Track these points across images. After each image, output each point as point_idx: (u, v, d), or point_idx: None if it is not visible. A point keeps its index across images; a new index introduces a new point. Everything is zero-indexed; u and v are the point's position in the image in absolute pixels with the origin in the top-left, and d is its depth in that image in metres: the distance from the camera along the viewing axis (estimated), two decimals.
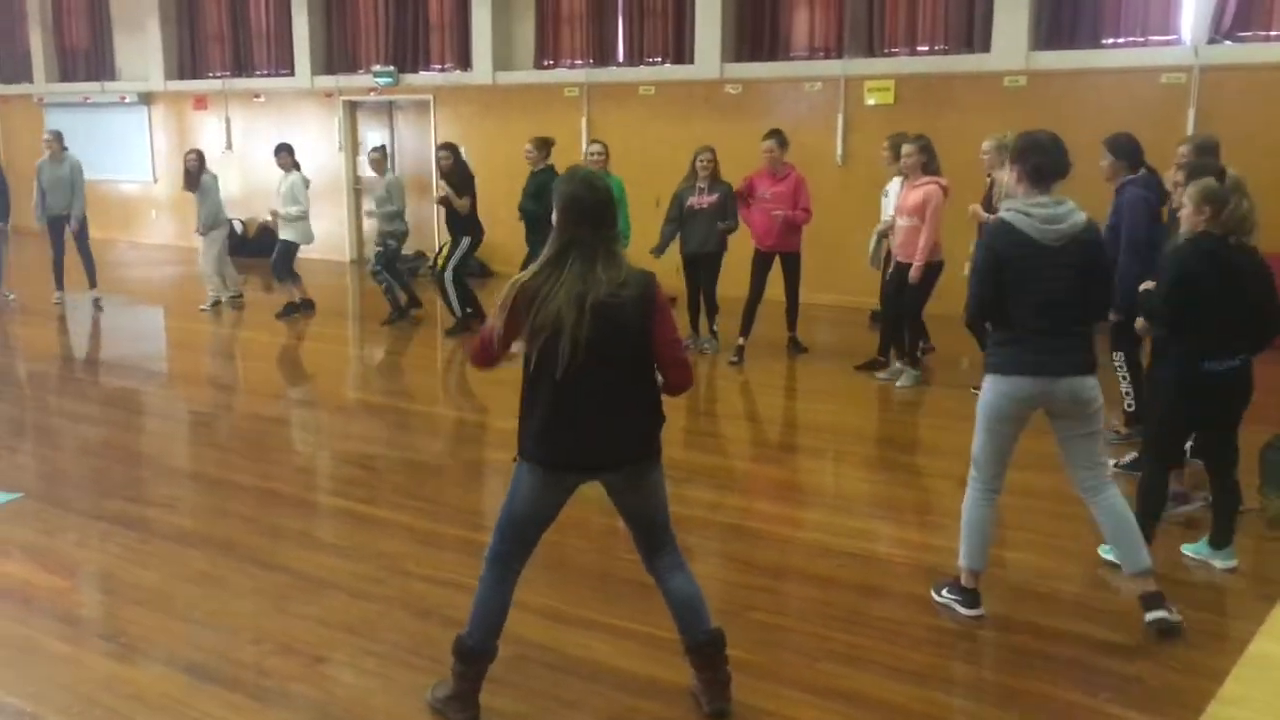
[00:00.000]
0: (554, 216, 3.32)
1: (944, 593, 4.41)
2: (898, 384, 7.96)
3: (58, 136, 11.62)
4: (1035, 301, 3.98)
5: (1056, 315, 4.00)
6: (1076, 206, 4.05)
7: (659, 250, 9.00)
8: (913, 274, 7.57)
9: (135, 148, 17.07)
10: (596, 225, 3.29)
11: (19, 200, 11.99)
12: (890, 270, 8.03)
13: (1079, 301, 4.04)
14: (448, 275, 9.92)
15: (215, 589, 4.58)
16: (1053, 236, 3.97)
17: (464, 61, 13.95)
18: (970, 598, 4.30)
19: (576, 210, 3.28)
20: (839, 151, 11.22)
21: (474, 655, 3.49)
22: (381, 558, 4.89)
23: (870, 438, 6.87)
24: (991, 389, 4.13)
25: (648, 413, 3.43)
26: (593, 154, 9.20)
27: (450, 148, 9.96)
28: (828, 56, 11.54)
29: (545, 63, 13.49)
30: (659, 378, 3.44)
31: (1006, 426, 4.15)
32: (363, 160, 14.85)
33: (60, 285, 11.75)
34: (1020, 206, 4.02)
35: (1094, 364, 4.10)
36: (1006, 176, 6.87)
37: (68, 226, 11.52)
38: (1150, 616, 4.09)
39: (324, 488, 6.17)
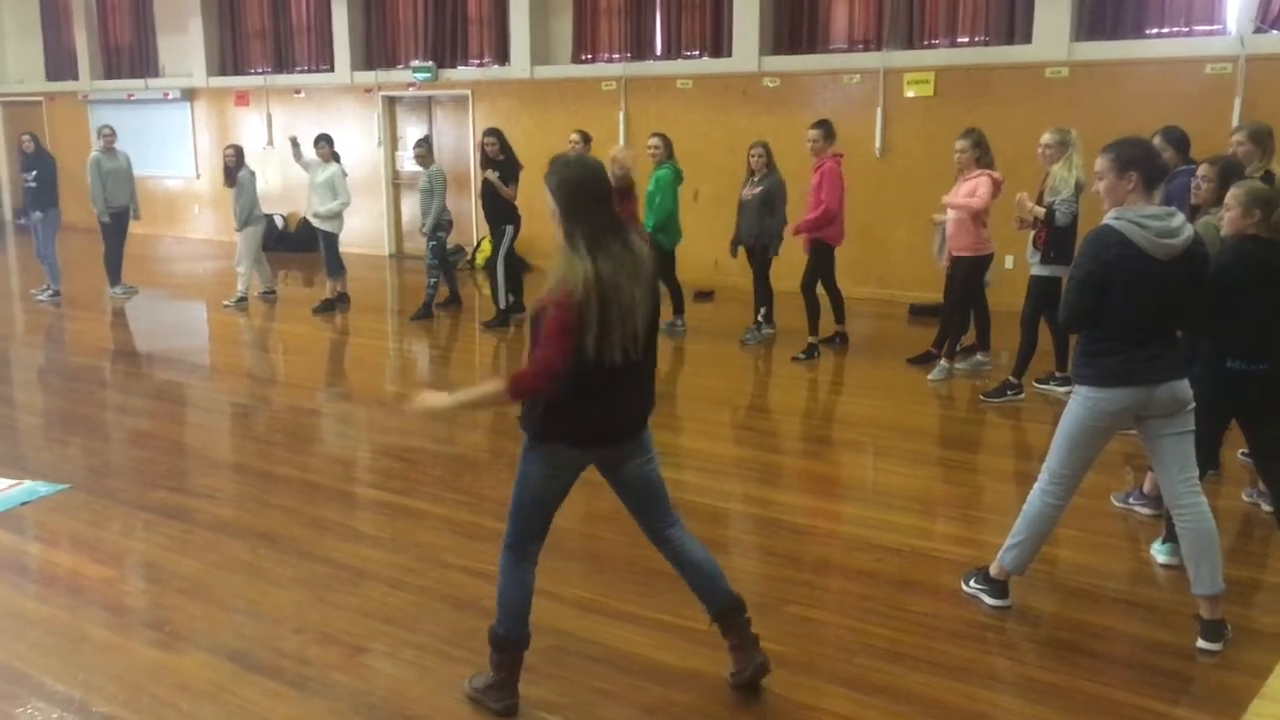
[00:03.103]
0: (565, 203, 3.22)
1: (972, 583, 4.40)
2: (929, 377, 7.93)
3: (113, 131, 11.82)
4: (1137, 314, 3.81)
5: (1156, 326, 3.85)
6: (1185, 219, 3.88)
7: (732, 246, 9.24)
8: (943, 213, 7.72)
9: (179, 144, 17.26)
10: (610, 202, 3.31)
11: (63, 198, 12.14)
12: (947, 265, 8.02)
13: (1178, 310, 3.90)
14: (499, 264, 10.03)
15: (257, 579, 4.63)
16: (1166, 251, 3.76)
17: (502, 56, 13.99)
18: (998, 588, 4.29)
19: (592, 193, 3.25)
20: (878, 144, 11.14)
21: (508, 643, 3.51)
22: (420, 549, 4.93)
23: (910, 432, 6.82)
24: (1086, 402, 3.94)
25: (654, 378, 3.51)
26: (650, 147, 9.29)
27: (496, 133, 10.00)
28: (867, 49, 11.48)
29: (583, 57, 13.51)
30: None
31: (1098, 439, 4.02)
32: (401, 155, 15.01)
33: (119, 279, 11.95)
34: (1133, 217, 3.77)
35: (1190, 362, 3.97)
36: (1062, 172, 6.95)
37: (133, 218, 11.91)
38: (1203, 645, 3.95)
39: (363, 480, 6.22)
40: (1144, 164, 3.83)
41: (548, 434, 3.36)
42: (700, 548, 3.65)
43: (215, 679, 3.78)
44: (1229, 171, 5.07)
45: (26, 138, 11.96)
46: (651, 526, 3.61)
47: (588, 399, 3.27)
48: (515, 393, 3.25)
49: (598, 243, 3.19)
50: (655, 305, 3.36)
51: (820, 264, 8.73)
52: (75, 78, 18.53)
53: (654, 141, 9.39)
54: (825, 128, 8.65)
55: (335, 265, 11.02)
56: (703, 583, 3.62)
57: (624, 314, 3.18)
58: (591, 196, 3.25)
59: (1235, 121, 8.96)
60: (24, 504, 5.51)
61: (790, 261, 9.15)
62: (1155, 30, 10.09)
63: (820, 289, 8.78)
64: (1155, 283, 3.79)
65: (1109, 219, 3.85)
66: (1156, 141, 6.22)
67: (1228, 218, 4.42)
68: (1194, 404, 3.94)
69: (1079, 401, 3.99)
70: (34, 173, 11.67)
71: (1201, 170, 5.31)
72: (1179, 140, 6.60)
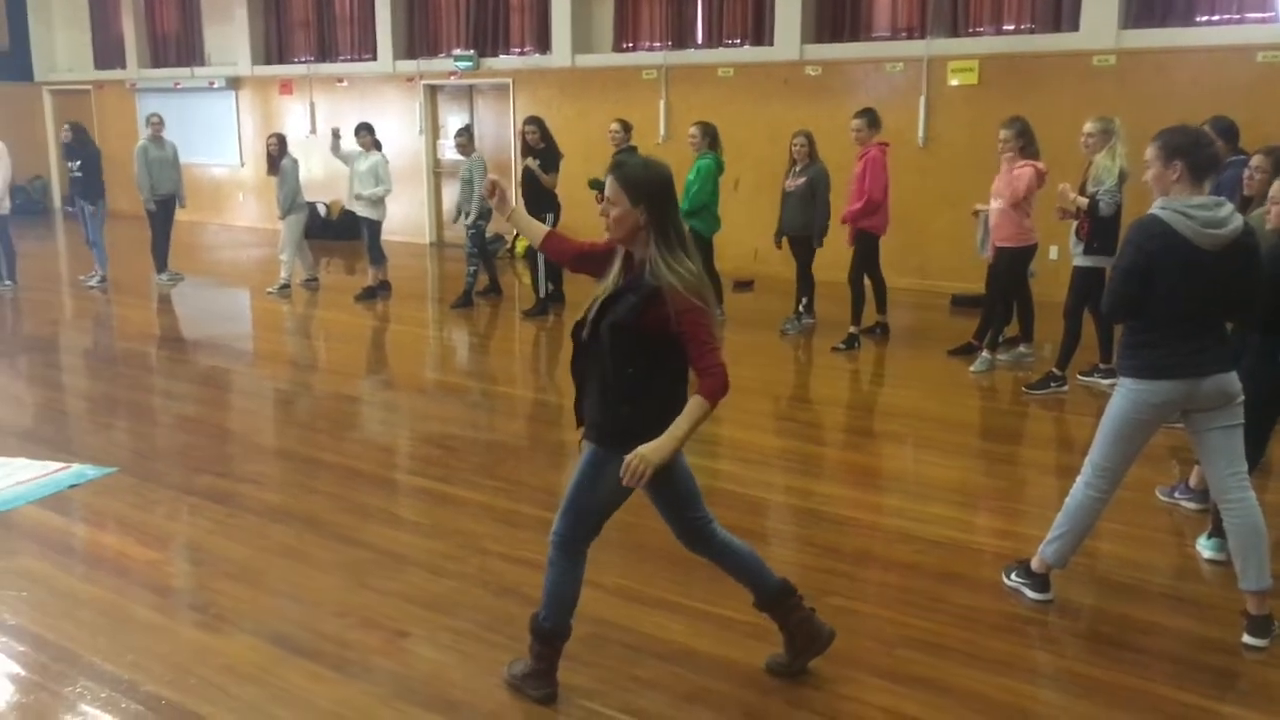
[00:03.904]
0: (661, 203, 3.21)
1: (1013, 576, 4.36)
2: (971, 369, 7.87)
3: (161, 119, 11.96)
4: (1181, 306, 3.77)
5: (1202, 317, 3.80)
6: (1234, 209, 3.81)
7: (776, 237, 9.26)
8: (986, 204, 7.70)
9: (224, 132, 17.45)
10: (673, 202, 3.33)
11: (111, 185, 12.31)
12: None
13: (1225, 301, 3.83)
14: (539, 252, 10.01)
15: (300, 563, 4.69)
16: (1212, 242, 3.71)
17: (543, 45, 14.01)
18: (1040, 582, 4.25)
19: (672, 191, 3.28)
20: (921, 134, 11.06)
21: (551, 635, 3.52)
22: (460, 536, 4.96)
23: (951, 423, 6.77)
24: (1130, 394, 3.90)
25: None
26: (690, 136, 9.27)
27: (537, 121, 10.01)
28: (910, 37, 11.38)
29: (624, 45, 13.49)
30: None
31: (1141, 432, 3.97)
32: (443, 144, 15.08)
33: (165, 266, 12.09)
34: (1179, 206, 3.73)
35: (1238, 356, 3.88)
36: (1106, 161, 6.85)
37: (179, 207, 12.05)
38: (1249, 640, 3.90)
39: (404, 466, 6.27)
40: (1189, 152, 3.76)
41: (646, 440, 3.22)
42: (745, 544, 3.65)
43: (259, 661, 3.83)
44: None
45: (66, 128, 12.12)
46: (693, 523, 3.56)
47: (679, 399, 3.30)
48: (716, 400, 3.21)
49: (683, 240, 3.23)
50: None
51: (865, 254, 8.68)
52: (123, 66, 18.77)
53: (693, 131, 9.34)
54: (869, 116, 8.59)
55: (377, 253, 11.10)
56: (752, 570, 3.62)
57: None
58: (674, 195, 3.29)
59: None
60: (72, 486, 5.61)
61: (833, 252, 9.10)
62: (1205, 17, 9.93)
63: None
64: (1201, 274, 3.73)
65: (1154, 208, 3.81)
66: None
67: (1275, 211, 4.34)
68: (1243, 397, 3.88)
69: (1122, 394, 3.95)
70: (78, 162, 11.83)
71: (1255, 161, 5.22)
72: (1227, 130, 6.48)
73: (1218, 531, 4.50)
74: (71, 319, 10.68)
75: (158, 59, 18.55)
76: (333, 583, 4.48)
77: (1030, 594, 4.26)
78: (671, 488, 3.46)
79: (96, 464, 5.93)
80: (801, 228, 8.94)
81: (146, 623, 4.15)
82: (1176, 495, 5.28)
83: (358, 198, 10.91)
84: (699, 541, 3.59)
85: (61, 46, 20.01)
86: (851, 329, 8.73)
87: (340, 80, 15.93)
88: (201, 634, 4.05)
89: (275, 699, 3.59)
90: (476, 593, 4.37)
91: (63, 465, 5.90)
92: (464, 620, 4.13)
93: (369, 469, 6.00)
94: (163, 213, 11.91)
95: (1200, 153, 3.78)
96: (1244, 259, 3.80)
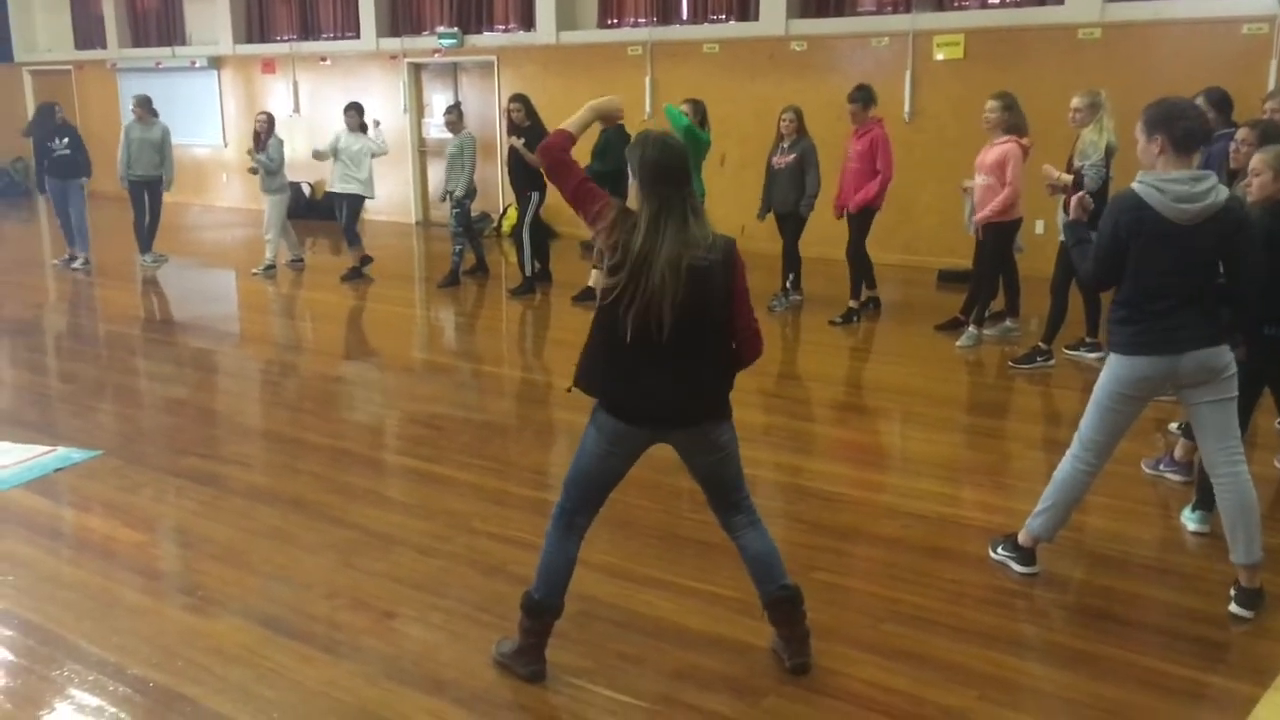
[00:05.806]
0: (634, 181, 3.30)
1: (999, 549, 4.38)
2: (958, 343, 7.88)
3: (143, 102, 11.80)
4: (1155, 280, 3.77)
5: (1179, 293, 3.77)
6: (1218, 183, 3.77)
7: (761, 213, 9.16)
8: (980, 219, 7.62)
9: (206, 112, 17.29)
10: (679, 184, 3.29)
11: (95, 165, 12.18)
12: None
13: (1206, 276, 3.81)
14: (525, 231, 9.99)
15: (287, 544, 4.68)
16: (1184, 216, 3.70)
17: (527, 22, 13.92)
18: (1026, 555, 4.26)
19: (658, 172, 3.26)
20: (907, 109, 11.02)
21: (541, 609, 3.53)
22: (449, 515, 4.95)
23: (938, 398, 6.78)
24: (1113, 369, 3.93)
25: (722, 374, 3.45)
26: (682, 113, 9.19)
27: (522, 99, 9.92)
28: (895, 11, 11.33)
29: (609, 21, 13.41)
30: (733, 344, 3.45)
31: (1127, 406, 3.96)
32: (428, 122, 14.99)
33: (147, 248, 11.98)
34: (1153, 180, 3.73)
35: (1224, 331, 3.86)
36: (1092, 136, 6.84)
37: (163, 189, 11.87)
38: (1237, 611, 3.92)
39: (392, 446, 6.25)
40: (1166, 125, 3.76)
41: (599, 397, 3.41)
42: (761, 543, 3.60)
43: (247, 643, 3.82)
44: (1270, 135, 4.97)
45: (57, 110, 11.99)
46: (716, 511, 3.64)
47: (626, 374, 3.32)
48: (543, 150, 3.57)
49: (655, 222, 3.22)
50: (708, 296, 3.29)
51: (864, 227, 8.66)
52: (104, 46, 18.58)
53: (684, 108, 9.25)
54: (863, 96, 8.49)
55: (353, 234, 10.98)
56: (755, 574, 3.61)
57: (653, 295, 3.18)
58: (661, 176, 3.26)
59: (1271, 83, 8.81)
60: (57, 470, 5.58)
61: (818, 229, 9.09)
62: None
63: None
64: (1174, 248, 3.73)
65: (1133, 182, 3.82)
66: (1199, 103, 6.11)
67: (1257, 183, 4.31)
68: (1231, 371, 3.87)
69: (1107, 368, 3.98)
70: (65, 140, 11.71)
71: (1240, 134, 5.21)
72: (1220, 101, 6.41)
73: (1202, 504, 4.52)
74: (54, 301, 10.61)
75: (138, 38, 18.36)
76: (320, 564, 4.47)
77: (1016, 568, 4.27)
78: (702, 482, 3.59)
79: (81, 447, 5.90)
80: (792, 204, 8.90)
81: (133, 605, 4.14)
82: (1161, 468, 5.30)
83: (351, 179, 10.80)
84: (722, 524, 3.66)
85: (41, 27, 19.80)
86: (851, 303, 8.74)
87: (323, 59, 15.80)
88: (189, 616, 4.04)
89: (263, 680, 3.59)
90: (465, 572, 4.37)
91: (47, 449, 5.87)
92: (453, 600, 4.13)
93: (356, 449, 5.98)
94: (142, 194, 11.77)
95: (1176, 126, 3.75)
96: (1224, 233, 3.76)
